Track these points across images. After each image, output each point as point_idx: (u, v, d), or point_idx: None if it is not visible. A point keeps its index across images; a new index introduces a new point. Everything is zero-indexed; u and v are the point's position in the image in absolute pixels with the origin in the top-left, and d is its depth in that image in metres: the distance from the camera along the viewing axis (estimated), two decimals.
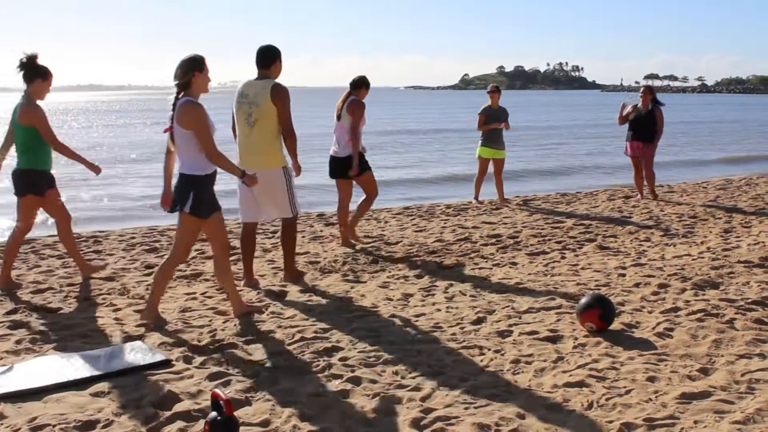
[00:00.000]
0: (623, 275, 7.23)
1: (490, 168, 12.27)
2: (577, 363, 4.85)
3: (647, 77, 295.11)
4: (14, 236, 7.04)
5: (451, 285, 6.93)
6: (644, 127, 12.13)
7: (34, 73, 6.76)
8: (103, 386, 4.44)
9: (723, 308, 6.01)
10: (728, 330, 5.48)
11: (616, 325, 5.56)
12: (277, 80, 6.78)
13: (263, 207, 6.97)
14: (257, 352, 5.07)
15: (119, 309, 6.20)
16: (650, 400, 4.24)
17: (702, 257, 7.98)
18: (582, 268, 7.56)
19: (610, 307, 5.56)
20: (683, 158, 23.18)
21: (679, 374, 4.63)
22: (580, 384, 4.48)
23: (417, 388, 4.43)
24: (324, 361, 4.89)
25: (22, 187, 6.84)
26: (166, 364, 4.84)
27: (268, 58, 6.78)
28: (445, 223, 10.37)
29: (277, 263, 7.85)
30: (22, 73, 6.74)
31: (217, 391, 3.59)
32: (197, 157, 5.50)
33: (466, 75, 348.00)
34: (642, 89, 12.52)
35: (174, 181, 5.75)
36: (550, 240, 9.08)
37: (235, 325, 5.66)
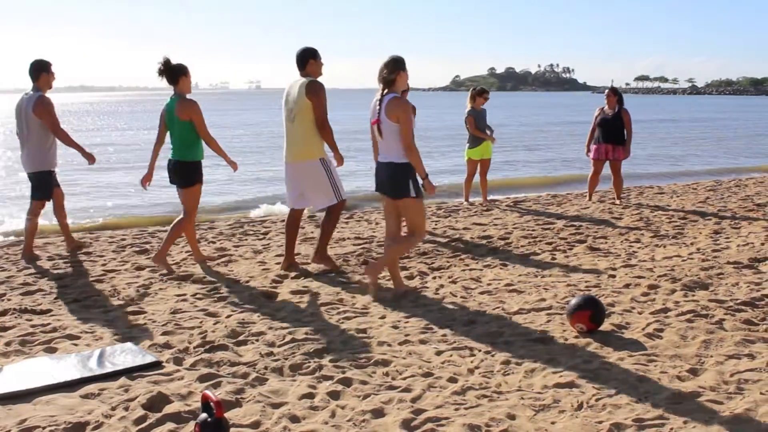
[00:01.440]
0: (613, 276, 7.25)
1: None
2: (567, 364, 4.86)
3: (637, 79, 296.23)
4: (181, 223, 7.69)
5: (442, 286, 6.94)
6: (613, 129, 12.10)
7: (177, 72, 7.44)
8: (93, 388, 4.43)
9: (712, 309, 6.03)
10: (717, 331, 5.50)
11: (606, 326, 5.58)
12: (316, 78, 7.25)
13: (309, 196, 7.45)
14: (247, 354, 5.07)
15: (109, 310, 6.19)
16: (640, 400, 4.25)
17: (692, 258, 8.00)
18: (572, 270, 7.58)
19: (600, 308, 5.57)
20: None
21: (669, 375, 4.65)
22: (570, 385, 4.49)
23: (407, 389, 4.43)
24: (315, 362, 4.89)
25: (184, 177, 7.54)
26: (156, 365, 4.84)
27: (303, 60, 7.28)
28: (435, 225, 10.38)
29: (267, 264, 7.85)
30: (164, 78, 7.47)
31: (208, 392, 3.58)
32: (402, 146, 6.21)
33: (457, 76, 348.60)
34: (606, 91, 12.54)
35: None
36: (540, 241, 9.09)
37: (226, 326, 5.65)
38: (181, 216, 7.68)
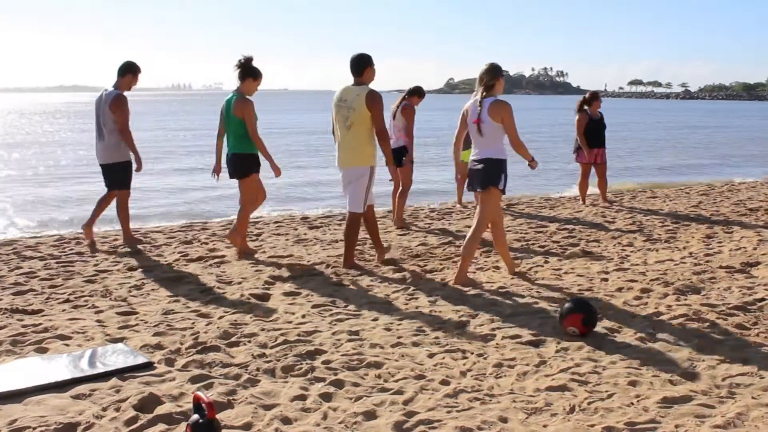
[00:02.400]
0: (606, 280, 7.25)
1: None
2: (559, 367, 4.86)
3: (631, 83, 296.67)
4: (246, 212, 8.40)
5: (435, 289, 6.94)
6: (602, 132, 12.34)
7: (248, 72, 8.00)
8: (84, 388, 4.41)
9: (705, 313, 6.04)
10: (710, 335, 5.51)
11: (598, 330, 5.58)
12: (370, 86, 7.52)
13: (349, 198, 7.72)
14: (240, 355, 5.05)
15: (101, 311, 6.17)
16: (632, 404, 4.25)
17: (684, 262, 8.02)
18: (565, 273, 7.58)
19: (592, 311, 5.58)
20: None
21: (661, 379, 4.65)
22: (563, 388, 4.49)
23: (400, 392, 4.42)
24: (307, 364, 4.88)
25: (240, 169, 8.10)
26: (148, 366, 4.82)
27: (361, 67, 7.46)
28: (428, 227, 10.38)
29: (259, 266, 7.84)
30: (238, 71, 8.01)
31: (199, 393, 3.57)
32: (501, 144, 6.97)
33: (451, 79, 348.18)
34: (589, 95, 12.61)
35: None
36: (533, 244, 9.10)
37: (218, 327, 5.63)
38: (241, 207, 8.31)
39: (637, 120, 59.19)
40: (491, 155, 6.95)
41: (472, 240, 7.13)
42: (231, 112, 8.01)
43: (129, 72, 8.71)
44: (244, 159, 8.08)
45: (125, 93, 8.70)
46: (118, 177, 8.79)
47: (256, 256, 8.36)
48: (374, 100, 7.31)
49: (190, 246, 8.97)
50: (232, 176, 8.23)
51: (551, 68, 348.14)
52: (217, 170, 8.52)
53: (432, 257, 8.35)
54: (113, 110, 8.52)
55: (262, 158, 8.19)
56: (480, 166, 7.00)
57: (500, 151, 6.98)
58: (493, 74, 6.92)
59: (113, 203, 8.88)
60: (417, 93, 10.75)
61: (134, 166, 8.85)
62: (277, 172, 8.25)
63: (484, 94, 6.89)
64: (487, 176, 6.97)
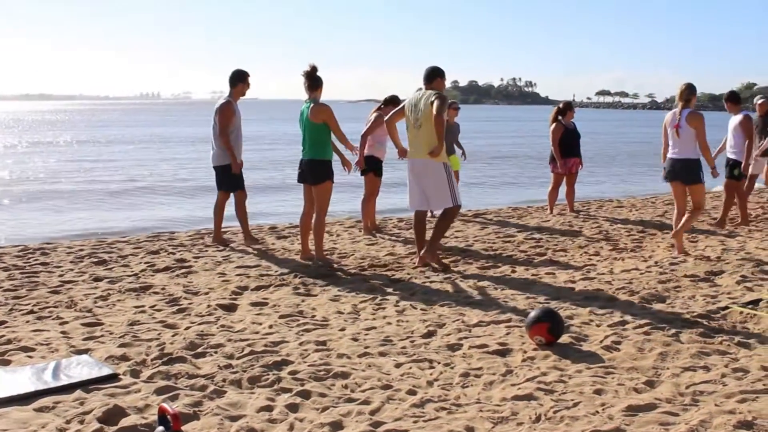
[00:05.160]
0: (572, 289, 7.30)
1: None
2: (525, 376, 4.88)
3: (599, 93, 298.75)
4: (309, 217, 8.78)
5: (402, 298, 6.95)
6: (577, 142, 12.52)
7: (318, 82, 8.47)
8: (47, 401, 4.36)
9: (669, 322, 6.10)
10: (674, 343, 5.56)
11: (564, 339, 5.61)
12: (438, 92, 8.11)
13: (430, 197, 8.32)
14: (206, 366, 5.02)
15: (66, 322, 6.10)
16: (597, 412, 4.28)
17: (650, 271, 8.09)
18: (532, 282, 7.62)
19: (559, 320, 5.61)
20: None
21: (626, 387, 4.68)
22: (529, 397, 4.51)
23: (366, 402, 4.42)
24: (273, 374, 4.86)
25: (316, 175, 8.44)
26: (113, 378, 4.77)
27: (432, 77, 8.24)
28: (397, 237, 10.39)
29: (227, 276, 7.80)
30: (309, 83, 8.44)
31: (165, 405, 3.55)
32: (694, 146, 8.88)
33: (420, 89, 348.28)
34: (562, 109, 12.73)
35: None
36: (501, 254, 9.14)
37: (184, 338, 5.60)
38: (314, 213, 8.56)
39: (604, 131, 59.74)
40: (690, 155, 8.93)
41: (688, 222, 9.13)
42: (308, 120, 8.40)
43: (239, 81, 9.35)
44: (320, 165, 8.44)
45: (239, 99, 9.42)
46: (228, 178, 9.39)
47: (223, 266, 8.32)
48: (439, 100, 7.93)
49: (157, 256, 8.91)
50: (305, 181, 8.65)
51: (520, 78, 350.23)
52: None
53: (400, 267, 8.37)
54: (218, 116, 9.22)
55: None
56: (680, 165, 8.97)
57: (695, 152, 8.91)
58: (690, 91, 8.89)
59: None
60: (392, 102, 10.73)
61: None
62: (352, 165, 9.04)
63: (683, 106, 8.85)
64: (689, 175, 8.96)
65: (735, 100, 11.28)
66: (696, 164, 8.95)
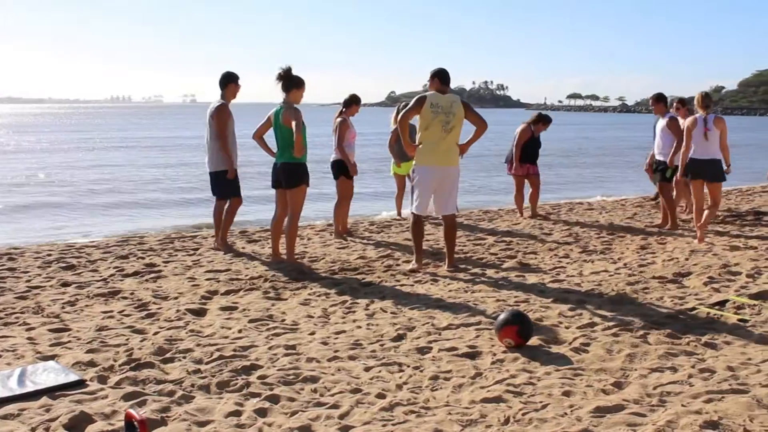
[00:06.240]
0: (542, 291, 7.34)
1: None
2: (495, 378, 4.89)
3: (570, 96, 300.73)
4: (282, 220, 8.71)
5: (373, 302, 6.94)
6: (536, 150, 12.70)
7: (292, 84, 8.34)
8: (13, 408, 4.31)
9: (637, 323, 6.14)
10: (642, 344, 5.60)
11: (534, 341, 5.64)
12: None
13: (450, 199, 8.32)
14: (174, 371, 4.99)
15: (33, 328, 6.04)
16: (565, 414, 4.30)
17: (619, 273, 8.15)
18: (502, 285, 7.65)
19: (528, 323, 5.64)
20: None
21: (594, 388, 4.71)
22: (498, 399, 4.52)
23: (335, 406, 4.41)
24: (242, 379, 4.84)
25: (291, 178, 8.37)
26: (79, 384, 4.73)
27: (449, 80, 8.23)
28: (368, 240, 10.39)
29: (197, 281, 7.76)
30: (281, 84, 8.35)
31: (131, 411, 3.51)
32: (718, 147, 9.98)
33: (392, 92, 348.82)
34: (541, 118, 12.83)
35: None
36: (472, 257, 9.17)
37: (152, 343, 5.55)
38: (287, 217, 8.52)
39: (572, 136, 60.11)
40: (717, 156, 9.98)
41: (709, 216, 10.13)
42: (280, 123, 8.34)
43: (230, 81, 9.22)
44: (293, 168, 8.38)
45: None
46: (224, 184, 9.26)
47: (193, 271, 8.27)
48: (471, 106, 8.19)
49: (126, 261, 8.84)
50: (279, 186, 8.56)
51: (492, 81, 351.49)
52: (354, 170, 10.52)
53: (370, 270, 8.36)
54: (214, 119, 9.07)
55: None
56: (709, 165, 9.97)
57: (719, 152, 9.98)
58: (710, 99, 10.17)
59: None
60: (354, 102, 10.81)
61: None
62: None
63: (707, 111, 9.91)
64: (716, 174, 10.03)
65: (663, 101, 11.36)
66: (721, 164, 10.05)
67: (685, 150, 10.11)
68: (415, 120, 8.18)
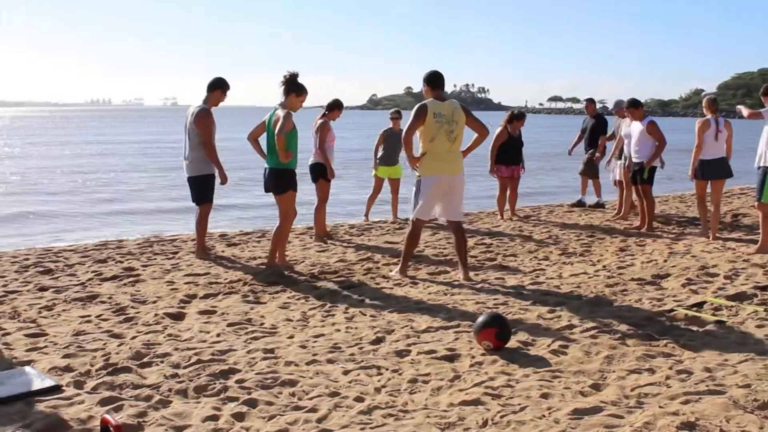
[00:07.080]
0: (521, 293, 7.35)
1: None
2: (473, 381, 4.90)
3: (551, 99, 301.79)
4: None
5: (352, 305, 6.93)
6: (519, 150, 12.86)
7: (292, 88, 8.23)
8: None
9: (616, 325, 6.17)
10: (620, 346, 5.62)
11: (512, 343, 5.65)
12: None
13: (452, 210, 8.11)
14: (152, 376, 4.96)
15: (8, 333, 5.98)
16: (543, 416, 4.31)
17: (598, 275, 8.18)
18: (481, 287, 7.66)
19: (506, 325, 5.65)
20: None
21: (572, 390, 4.72)
22: (476, 402, 4.53)
23: (313, 410, 4.40)
24: (220, 383, 4.82)
25: (277, 184, 8.31)
26: (55, 389, 4.69)
27: (444, 81, 8.04)
28: (348, 243, 10.38)
29: (175, 284, 7.72)
30: (283, 87, 8.27)
31: (107, 416, 3.49)
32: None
33: (374, 95, 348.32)
34: (516, 112, 12.92)
35: None
36: (452, 259, 9.17)
37: (130, 348, 5.52)
38: (277, 223, 8.44)
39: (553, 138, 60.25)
40: (724, 155, 10.49)
41: (715, 220, 10.77)
42: (270, 127, 8.26)
43: (218, 88, 9.01)
44: (281, 174, 8.28)
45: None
46: (200, 189, 9.06)
47: (171, 275, 8.22)
48: (471, 112, 8.05)
49: (105, 265, 8.78)
50: (269, 191, 8.47)
51: (473, 84, 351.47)
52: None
53: (350, 273, 8.35)
54: (197, 125, 8.82)
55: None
56: (723, 163, 10.47)
57: (725, 153, 10.54)
58: (717, 103, 10.89)
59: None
60: (336, 106, 10.83)
61: (218, 180, 9.11)
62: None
63: (716, 115, 10.48)
64: (728, 169, 10.56)
65: (638, 106, 11.40)
66: (728, 161, 10.62)
67: (696, 151, 10.48)
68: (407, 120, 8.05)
